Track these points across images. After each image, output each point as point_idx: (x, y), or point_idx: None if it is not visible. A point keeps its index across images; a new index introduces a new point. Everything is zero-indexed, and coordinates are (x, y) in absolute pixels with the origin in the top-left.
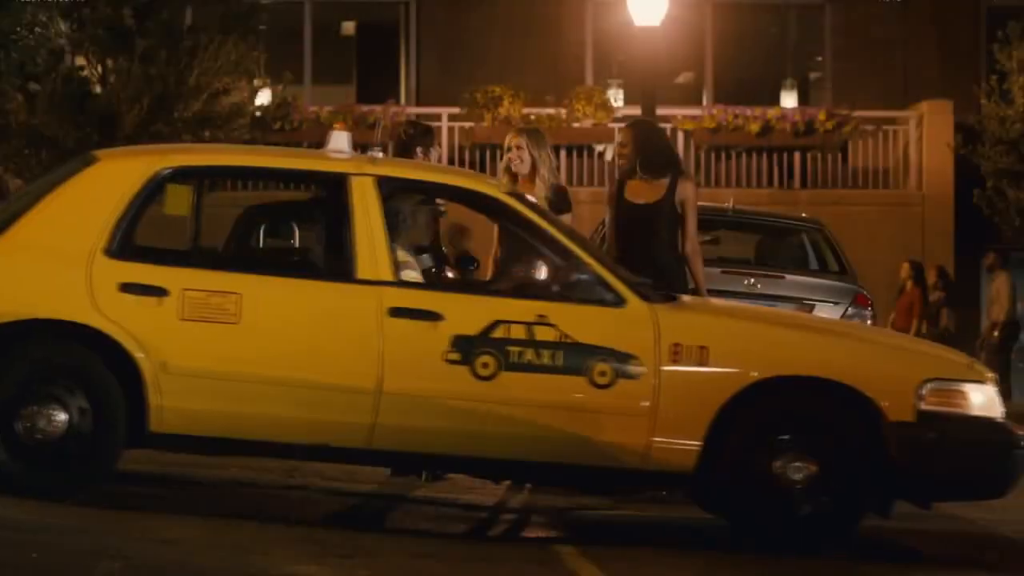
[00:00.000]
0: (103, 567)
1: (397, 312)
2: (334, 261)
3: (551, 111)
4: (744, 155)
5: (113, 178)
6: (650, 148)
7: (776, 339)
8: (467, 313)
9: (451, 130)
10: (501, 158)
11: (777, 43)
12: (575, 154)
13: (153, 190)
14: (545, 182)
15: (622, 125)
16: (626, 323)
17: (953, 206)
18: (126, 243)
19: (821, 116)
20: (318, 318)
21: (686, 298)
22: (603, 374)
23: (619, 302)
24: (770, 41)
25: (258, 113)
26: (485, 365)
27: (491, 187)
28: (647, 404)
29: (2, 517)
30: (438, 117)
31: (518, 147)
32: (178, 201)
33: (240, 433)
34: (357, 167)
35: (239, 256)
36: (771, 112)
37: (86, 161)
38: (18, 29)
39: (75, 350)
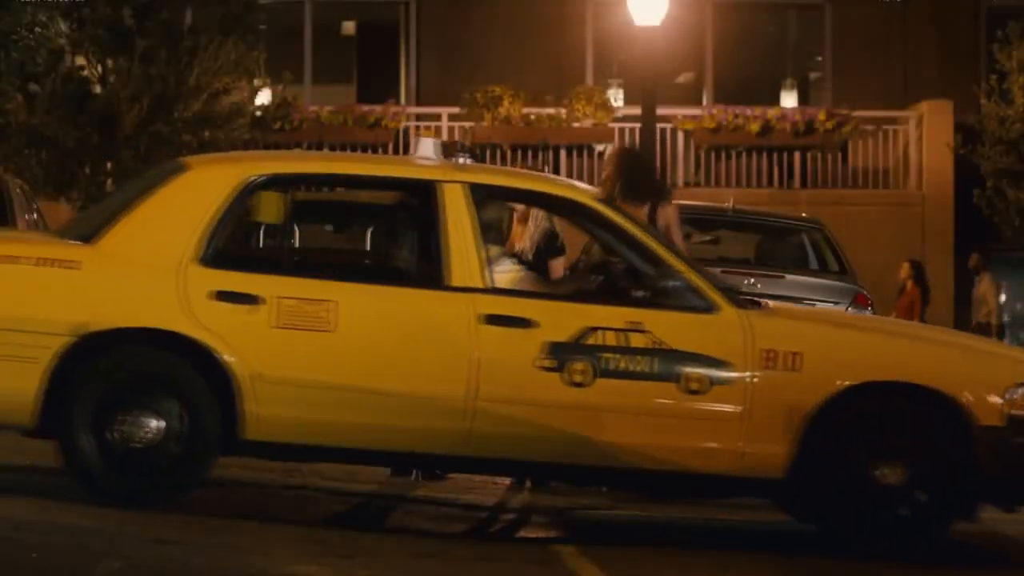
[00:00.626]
0: (103, 567)
1: (491, 319)
2: (427, 268)
3: (551, 111)
4: (744, 155)
5: (204, 186)
6: (632, 176)
7: (867, 345)
8: (561, 320)
9: (451, 130)
10: (502, 158)
11: (777, 43)
12: (575, 154)
13: (244, 198)
14: (538, 225)
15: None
16: (719, 329)
17: (953, 206)
18: (218, 251)
19: (821, 116)
20: (412, 325)
21: (773, 304)
22: (697, 381)
23: (711, 308)
24: (770, 41)
25: (258, 113)
26: (579, 372)
27: (584, 194)
28: (740, 410)
29: (3, 516)
30: (438, 117)
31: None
32: (269, 209)
33: (333, 440)
34: (448, 174)
35: (333, 263)
36: (771, 112)
37: (176, 168)
38: (18, 29)
39: (167, 358)
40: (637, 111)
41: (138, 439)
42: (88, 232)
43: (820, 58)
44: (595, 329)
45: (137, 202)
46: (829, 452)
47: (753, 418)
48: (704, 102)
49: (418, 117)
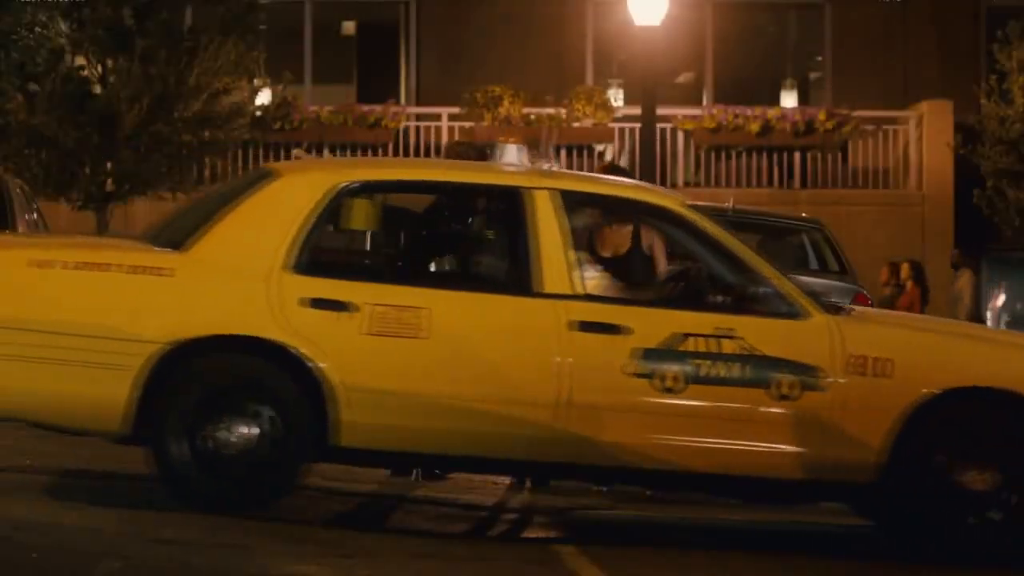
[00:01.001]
0: (103, 566)
1: (581, 326)
2: (517, 275)
3: (551, 111)
4: (744, 155)
5: (294, 193)
6: None
7: (957, 350)
8: (652, 326)
9: (451, 130)
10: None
11: (777, 43)
12: (575, 154)
13: (333, 204)
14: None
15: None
16: (809, 335)
17: (953, 206)
18: (308, 258)
19: (821, 116)
20: (503, 332)
21: (860, 310)
22: (788, 386)
23: (800, 314)
24: (770, 41)
25: (258, 113)
26: (670, 378)
27: (673, 201)
28: (830, 416)
29: (3, 516)
30: (438, 117)
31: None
32: (359, 216)
33: (424, 447)
34: (539, 181)
35: (423, 270)
36: (771, 112)
37: (265, 175)
38: (18, 29)
39: (259, 365)
40: (637, 111)
41: (230, 446)
42: (177, 239)
43: (820, 58)
44: (686, 335)
45: (227, 209)
46: (919, 457)
47: (844, 423)
48: (704, 102)
49: (418, 117)
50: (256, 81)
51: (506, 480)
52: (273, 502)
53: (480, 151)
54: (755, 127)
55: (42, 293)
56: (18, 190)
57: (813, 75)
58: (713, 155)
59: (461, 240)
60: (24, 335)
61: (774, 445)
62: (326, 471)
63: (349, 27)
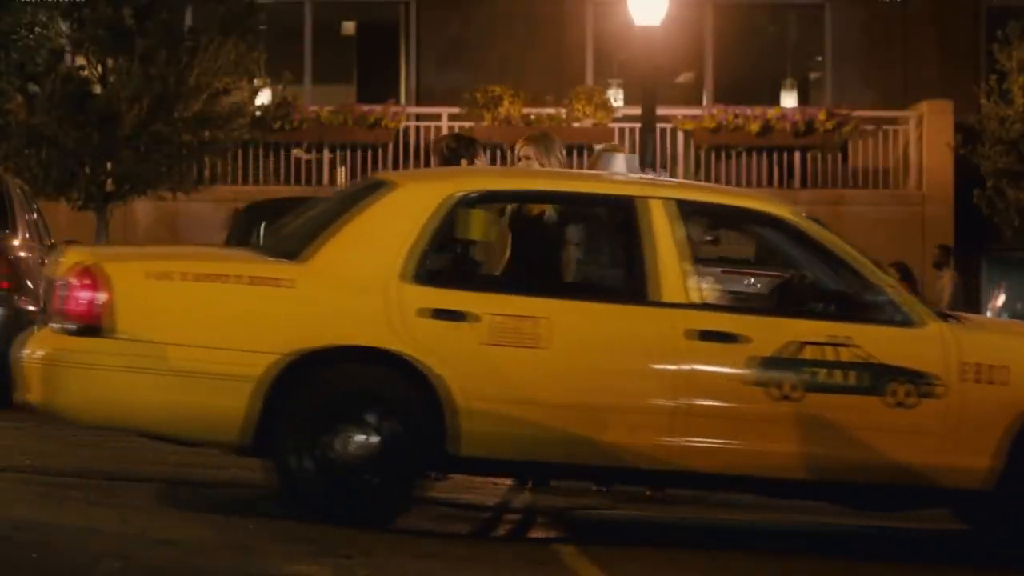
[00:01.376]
0: (103, 567)
1: (698, 334)
2: (634, 284)
3: (551, 111)
4: (744, 155)
5: (411, 203)
6: None
7: None
8: (769, 335)
9: (451, 130)
10: (502, 158)
11: (777, 43)
12: (575, 154)
13: (451, 214)
14: None
15: (622, 126)
16: (924, 343)
17: (953, 206)
18: (427, 268)
19: (821, 116)
20: (621, 341)
21: (972, 318)
22: (904, 394)
23: (915, 323)
24: (770, 41)
25: (258, 113)
26: (787, 386)
27: (787, 211)
28: (946, 423)
29: (3, 516)
30: (438, 117)
31: (526, 157)
32: (476, 225)
33: (543, 456)
34: (653, 190)
35: (541, 280)
36: (771, 112)
37: (383, 186)
38: (18, 29)
39: (379, 376)
40: (637, 111)
41: (349, 456)
42: (292, 249)
43: (820, 58)
44: (803, 343)
45: (344, 220)
46: None
47: (959, 431)
48: (704, 102)
49: (418, 117)
50: (256, 81)
51: (507, 480)
52: (392, 513)
53: (468, 143)
54: (755, 127)
55: (161, 305)
56: (18, 190)
57: (813, 75)
58: (713, 155)
59: (577, 249)
60: (143, 347)
61: (889, 453)
62: None
63: (349, 27)
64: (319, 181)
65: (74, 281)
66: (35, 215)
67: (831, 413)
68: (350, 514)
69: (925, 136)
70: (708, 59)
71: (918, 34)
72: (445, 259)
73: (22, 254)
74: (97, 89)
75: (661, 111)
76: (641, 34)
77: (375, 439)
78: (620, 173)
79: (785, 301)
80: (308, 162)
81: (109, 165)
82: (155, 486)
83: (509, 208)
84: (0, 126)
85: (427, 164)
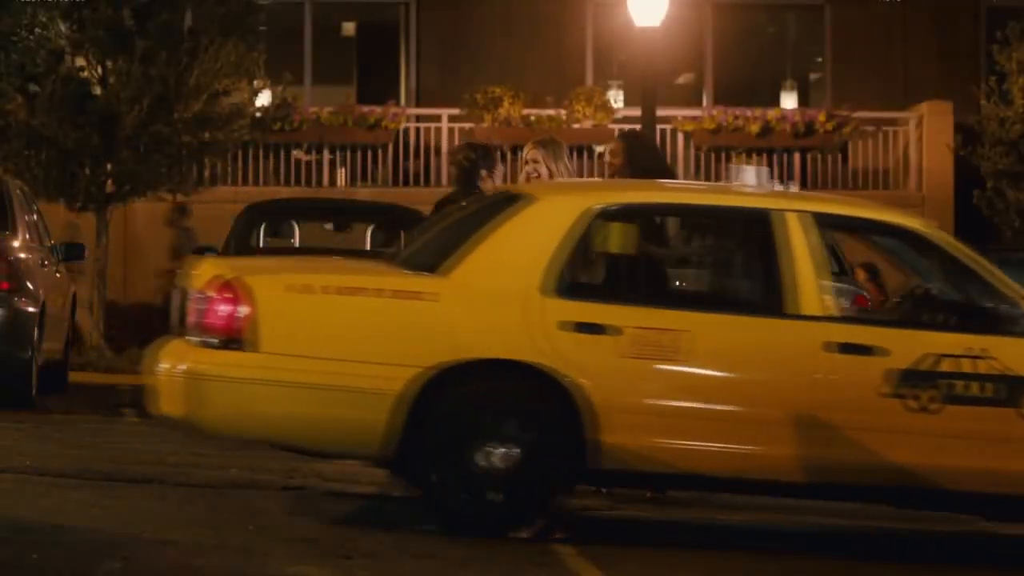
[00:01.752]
0: (104, 567)
1: (835, 347)
2: (772, 297)
3: (551, 112)
4: (744, 156)
5: (550, 216)
6: (639, 161)
7: None
8: (906, 347)
9: (451, 131)
10: (502, 159)
11: (777, 44)
12: (575, 155)
13: (590, 228)
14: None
15: (622, 127)
16: None
17: (953, 207)
18: (566, 281)
19: (821, 117)
20: (760, 354)
21: None
22: None
23: None
24: (770, 42)
25: (258, 114)
26: (925, 398)
27: (920, 223)
28: None
29: (4, 517)
30: (438, 118)
31: (534, 161)
32: (615, 238)
33: (684, 468)
34: (790, 203)
35: (680, 293)
36: (771, 113)
37: (518, 198)
38: (18, 30)
39: (520, 389)
40: (637, 112)
41: (490, 469)
42: (430, 262)
43: (820, 59)
44: (941, 356)
45: (485, 233)
46: None
47: None
48: (704, 103)
49: (418, 118)
50: (256, 82)
51: None
52: (533, 526)
53: (485, 153)
54: (755, 128)
55: (303, 319)
56: (18, 191)
57: (813, 76)
58: (713, 156)
59: (715, 262)
60: (286, 360)
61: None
62: (325, 472)
63: (349, 28)
64: (319, 182)
65: (214, 294)
66: (35, 216)
67: (967, 425)
68: (491, 526)
69: (925, 137)
70: (708, 60)
71: (918, 35)
72: (585, 272)
73: (22, 255)
74: (97, 90)
75: (661, 112)
76: (641, 35)
77: (515, 452)
78: (754, 186)
79: (917, 313)
80: (308, 163)
81: (109, 166)
82: (155, 487)
83: (645, 221)
84: (0, 127)
85: (427, 166)
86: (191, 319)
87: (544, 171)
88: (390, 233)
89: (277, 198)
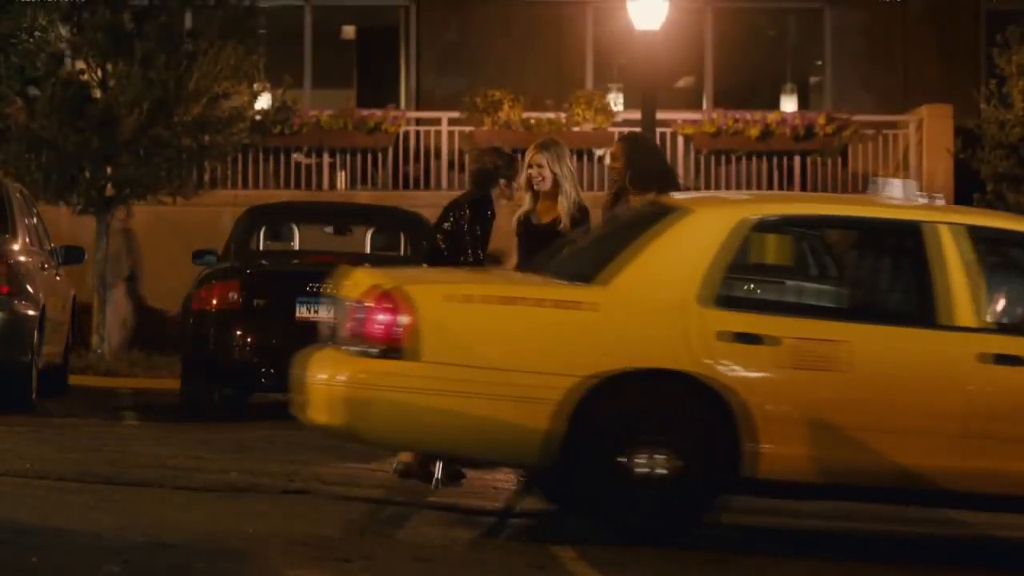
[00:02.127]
0: (103, 571)
1: (991, 358)
2: (927, 308)
3: (551, 115)
4: (744, 159)
5: (706, 228)
6: (639, 163)
7: None
8: None
9: (451, 134)
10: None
11: (777, 47)
12: (575, 158)
13: (746, 239)
14: (568, 198)
15: (622, 130)
16: None
17: None
18: (722, 292)
19: (821, 120)
20: (916, 365)
21: None
22: None
23: None
24: (770, 45)
25: (258, 117)
26: None
27: None
28: None
29: (4, 520)
30: (438, 121)
31: (539, 165)
32: (770, 250)
33: (841, 479)
34: (942, 215)
35: (836, 304)
36: (771, 116)
37: (672, 210)
38: (18, 33)
39: (677, 398)
40: (637, 115)
41: (648, 477)
42: (585, 273)
43: (820, 62)
44: None
45: (642, 244)
46: None
47: None
48: (704, 106)
49: (418, 121)
50: (256, 85)
51: (509, 484)
52: (690, 532)
53: (509, 161)
54: (755, 131)
55: (464, 328)
56: (18, 194)
57: (813, 79)
58: (713, 159)
59: (868, 273)
60: (447, 370)
61: None
62: (325, 476)
63: (349, 31)
64: (319, 185)
65: (374, 304)
66: (35, 219)
67: None
68: (650, 533)
69: (925, 140)
70: (708, 63)
71: (918, 38)
72: (741, 283)
73: (22, 258)
74: (97, 93)
75: (661, 115)
76: (641, 38)
77: (673, 460)
78: (902, 199)
79: None
80: (308, 166)
81: (109, 169)
82: (155, 490)
83: (799, 232)
84: (0, 130)
85: (427, 169)
86: (348, 328)
87: (548, 175)
88: (390, 236)
89: (278, 201)
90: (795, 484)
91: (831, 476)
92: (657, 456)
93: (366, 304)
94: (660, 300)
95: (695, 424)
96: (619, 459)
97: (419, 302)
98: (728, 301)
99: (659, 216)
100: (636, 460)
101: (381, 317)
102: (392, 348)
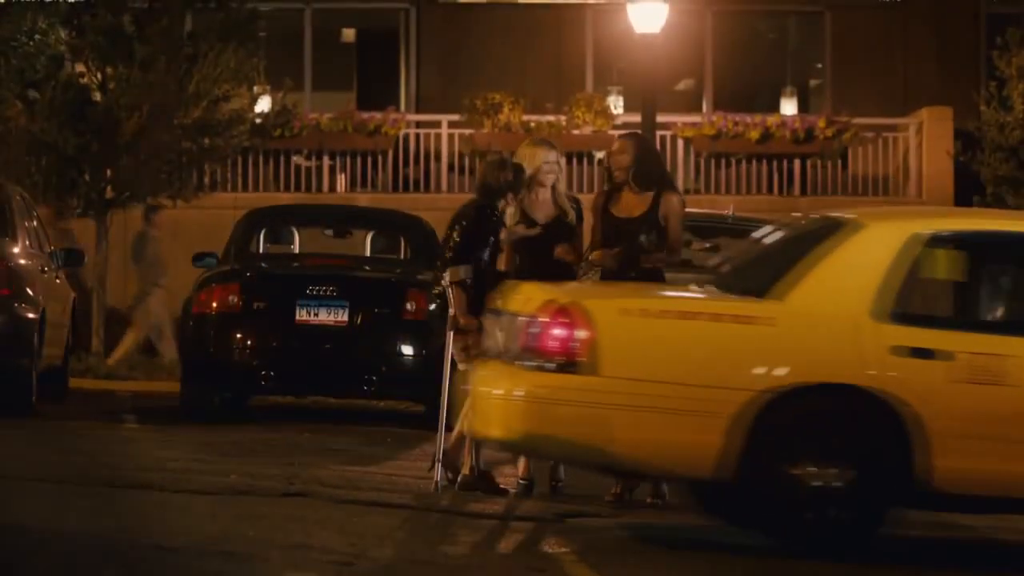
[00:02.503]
0: (104, 574)
1: None
2: None
3: (551, 118)
4: (744, 162)
5: (879, 243)
6: (645, 162)
7: None
8: None
9: (451, 137)
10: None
11: (777, 50)
12: (575, 161)
13: (919, 254)
14: (557, 190)
15: (622, 132)
16: None
17: None
18: (895, 307)
19: (821, 123)
20: None
21: None
22: None
23: None
24: (770, 48)
25: (258, 120)
26: None
27: None
28: None
29: (5, 523)
30: (438, 124)
31: (555, 161)
32: (942, 265)
33: (1014, 492)
34: None
35: (1008, 318)
36: (771, 119)
37: (843, 225)
38: (18, 36)
39: (851, 412)
40: (637, 118)
41: (822, 490)
42: (755, 287)
43: (820, 65)
44: None
45: (814, 259)
46: None
47: None
48: (704, 109)
49: (418, 124)
50: (256, 88)
51: (510, 487)
52: (863, 545)
53: (520, 173)
54: (755, 134)
55: (641, 343)
56: (18, 197)
57: (813, 82)
58: (713, 162)
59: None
60: (625, 384)
61: None
62: (325, 478)
63: (349, 34)
64: (319, 188)
65: (550, 319)
66: (35, 222)
67: None
68: (822, 546)
69: (925, 143)
70: (708, 66)
71: (918, 41)
72: (913, 298)
73: (22, 261)
74: (97, 96)
75: (661, 118)
76: (641, 41)
77: (848, 473)
78: None
79: None
80: (308, 169)
81: (109, 172)
82: (155, 493)
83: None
84: (0, 133)
85: (427, 172)
86: (522, 343)
87: (558, 170)
88: (390, 239)
89: (278, 204)
90: (968, 497)
91: (1005, 490)
92: (831, 470)
93: (541, 319)
94: (835, 315)
95: (869, 438)
96: (793, 472)
97: (597, 317)
98: (901, 316)
99: (831, 230)
100: (811, 473)
101: (558, 332)
102: (569, 362)
